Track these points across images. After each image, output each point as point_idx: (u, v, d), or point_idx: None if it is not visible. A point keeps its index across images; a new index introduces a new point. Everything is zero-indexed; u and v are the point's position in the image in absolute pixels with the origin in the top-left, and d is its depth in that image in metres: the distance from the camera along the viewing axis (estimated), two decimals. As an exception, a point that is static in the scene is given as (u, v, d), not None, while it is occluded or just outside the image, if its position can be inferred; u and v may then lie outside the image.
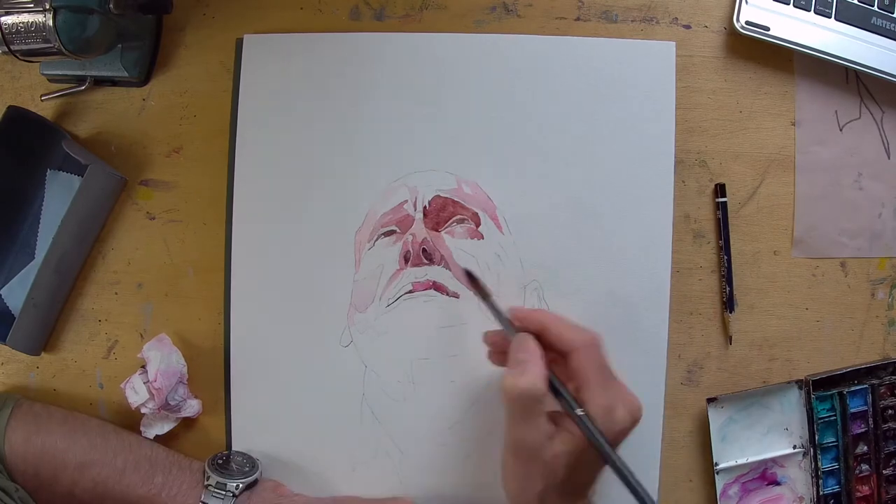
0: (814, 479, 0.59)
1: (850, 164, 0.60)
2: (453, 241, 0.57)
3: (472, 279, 0.54)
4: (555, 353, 0.48)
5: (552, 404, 0.47)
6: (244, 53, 0.58)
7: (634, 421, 0.47)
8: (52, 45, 0.48)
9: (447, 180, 0.58)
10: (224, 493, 0.53)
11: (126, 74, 0.57)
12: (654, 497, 0.58)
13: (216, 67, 0.59)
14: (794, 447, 0.59)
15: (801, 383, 0.59)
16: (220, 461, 0.56)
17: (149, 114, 0.60)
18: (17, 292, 0.57)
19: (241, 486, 0.54)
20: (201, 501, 0.53)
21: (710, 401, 0.58)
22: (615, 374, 0.48)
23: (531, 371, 0.46)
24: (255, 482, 0.55)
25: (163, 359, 0.56)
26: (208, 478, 0.54)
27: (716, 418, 0.59)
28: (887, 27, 0.58)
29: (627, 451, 0.56)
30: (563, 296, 0.57)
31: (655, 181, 0.58)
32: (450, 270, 0.57)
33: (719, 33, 0.60)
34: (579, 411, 0.46)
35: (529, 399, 0.45)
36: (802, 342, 0.60)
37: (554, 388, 0.47)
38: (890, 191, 0.61)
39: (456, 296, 0.57)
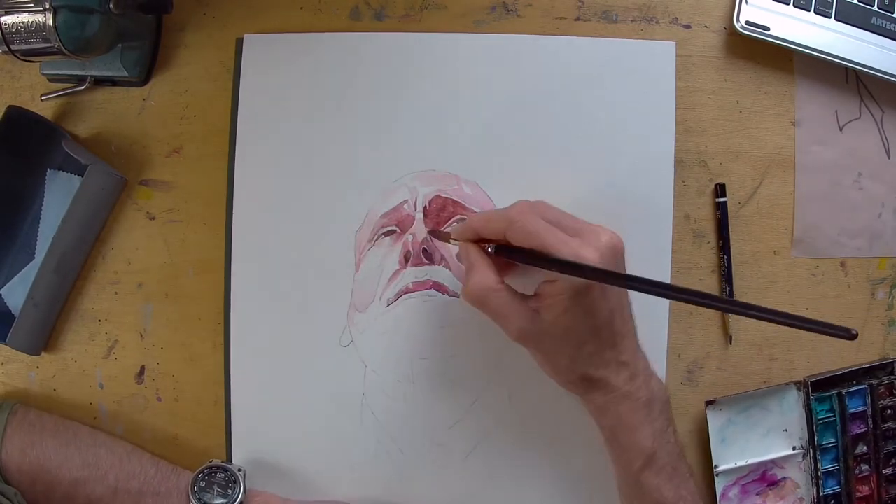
0: (814, 480, 0.59)
1: (850, 164, 0.60)
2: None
3: (433, 234, 0.57)
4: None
5: (526, 287, 0.49)
6: (244, 53, 0.58)
7: (610, 256, 0.46)
8: (52, 45, 0.48)
9: (447, 180, 0.58)
10: None
11: (126, 74, 0.57)
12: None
13: (216, 67, 0.59)
14: (794, 448, 0.59)
15: (799, 384, 0.59)
16: (203, 483, 0.55)
17: (149, 114, 0.60)
18: (17, 292, 0.57)
19: None
20: None
21: (708, 403, 0.58)
22: (570, 221, 0.48)
23: (475, 271, 0.48)
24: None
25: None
26: None
27: (714, 420, 0.59)
28: (887, 27, 0.58)
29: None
30: (563, 296, 0.57)
31: (655, 181, 0.58)
32: (450, 270, 0.57)
33: (719, 33, 0.60)
34: (556, 261, 0.45)
35: (484, 293, 0.48)
36: (802, 342, 0.60)
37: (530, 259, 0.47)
38: (890, 191, 0.61)
39: (456, 296, 0.57)
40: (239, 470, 0.56)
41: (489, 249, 0.49)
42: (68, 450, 0.54)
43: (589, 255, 0.45)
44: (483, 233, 0.50)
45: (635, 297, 0.57)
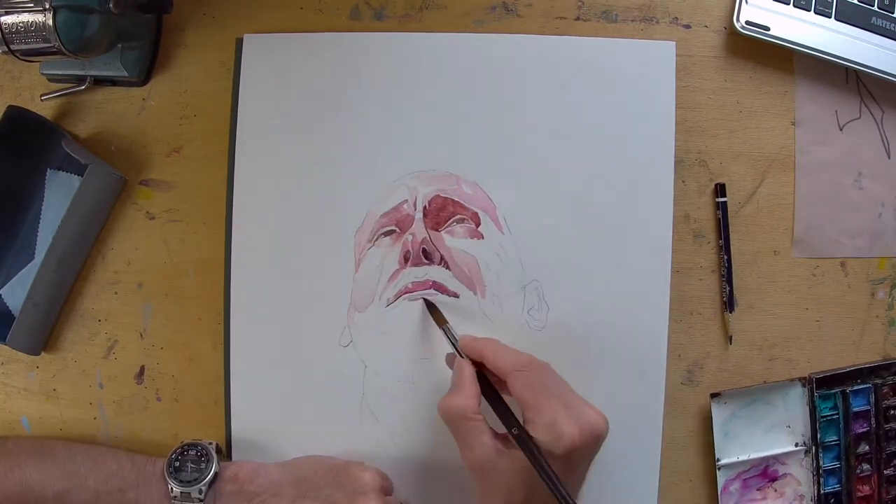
0: (815, 478, 0.59)
1: (850, 164, 0.60)
2: (453, 241, 0.57)
3: (430, 307, 0.56)
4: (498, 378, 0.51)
5: (499, 426, 0.49)
6: (244, 53, 0.58)
7: (589, 436, 0.47)
8: (51, 45, 0.48)
9: (447, 180, 0.58)
10: (190, 500, 0.53)
11: (126, 74, 0.57)
12: (654, 497, 0.58)
13: (216, 67, 0.59)
14: (796, 445, 0.59)
15: (804, 381, 0.59)
16: (177, 463, 0.54)
17: (149, 114, 0.60)
18: (17, 292, 0.57)
19: (203, 489, 0.53)
20: None
21: (713, 396, 0.58)
22: (567, 393, 0.49)
23: (461, 392, 0.50)
24: (215, 477, 0.54)
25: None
26: (172, 489, 0.53)
27: (718, 414, 0.59)
28: (887, 27, 0.58)
29: (627, 451, 0.57)
30: (563, 296, 0.57)
31: (655, 181, 0.58)
32: (449, 270, 0.57)
33: (719, 33, 0.60)
34: (514, 430, 0.47)
35: (460, 417, 0.49)
36: (802, 342, 0.60)
37: (498, 410, 0.49)
38: (890, 191, 0.61)
39: (456, 295, 0.57)
40: (210, 443, 0.55)
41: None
42: (46, 465, 0.54)
43: (569, 429, 0.46)
44: (488, 361, 0.51)
45: (641, 294, 0.57)
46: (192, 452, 0.55)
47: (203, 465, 0.54)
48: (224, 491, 0.54)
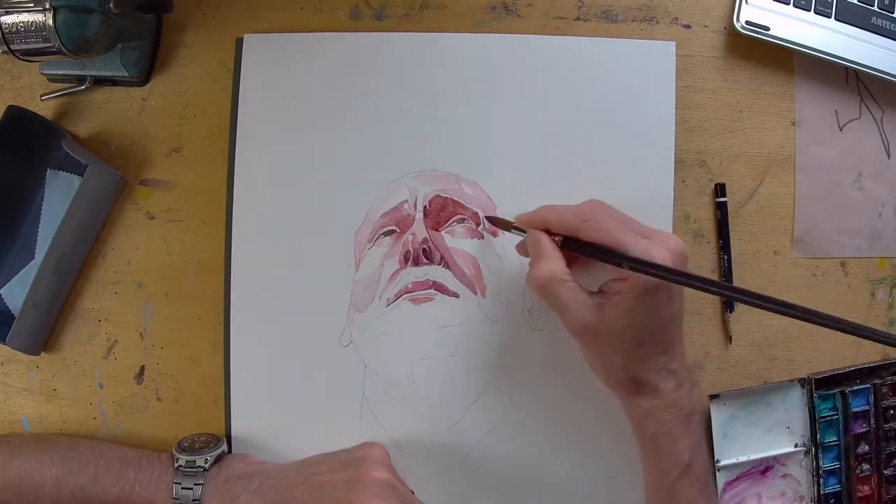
0: (815, 478, 0.59)
1: (850, 164, 0.60)
2: (453, 241, 0.57)
3: (492, 220, 0.57)
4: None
5: (591, 283, 0.49)
6: (244, 53, 0.58)
7: (678, 257, 0.47)
8: (52, 45, 0.48)
9: (447, 180, 0.58)
10: (194, 469, 0.54)
11: (126, 74, 0.57)
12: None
13: (216, 67, 0.59)
14: (796, 445, 0.59)
15: (803, 381, 0.59)
16: (186, 444, 0.56)
17: (149, 114, 0.60)
18: (17, 292, 0.57)
19: (209, 459, 0.54)
20: (174, 482, 0.53)
21: (712, 397, 0.58)
22: (636, 225, 0.49)
23: (543, 260, 0.49)
24: (222, 455, 0.56)
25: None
26: (177, 459, 0.54)
27: (718, 415, 0.59)
28: (887, 27, 0.58)
29: (628, 450, 0.57)
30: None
31: (655, 181, 0.58)
32: (450, 270, 0.57)
33: (719, 33, 0.60)
34: (623, 263, 0.46)
35: (552, 282, 0.48)
36: (802, 342, 0.60)
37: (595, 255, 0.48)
38: (890, 191, 0.61)
39: (456, 295, 0.57)
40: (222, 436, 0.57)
41: (556, 241, 0.50)
42: (47, 451, 0.55)
43: (660, 254, 0.46)
44: (553, 225, 0.51)
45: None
46: (205, 438, 0.57)
47: (213, 445, 0.56)
48: (231, 466, 0.55)
